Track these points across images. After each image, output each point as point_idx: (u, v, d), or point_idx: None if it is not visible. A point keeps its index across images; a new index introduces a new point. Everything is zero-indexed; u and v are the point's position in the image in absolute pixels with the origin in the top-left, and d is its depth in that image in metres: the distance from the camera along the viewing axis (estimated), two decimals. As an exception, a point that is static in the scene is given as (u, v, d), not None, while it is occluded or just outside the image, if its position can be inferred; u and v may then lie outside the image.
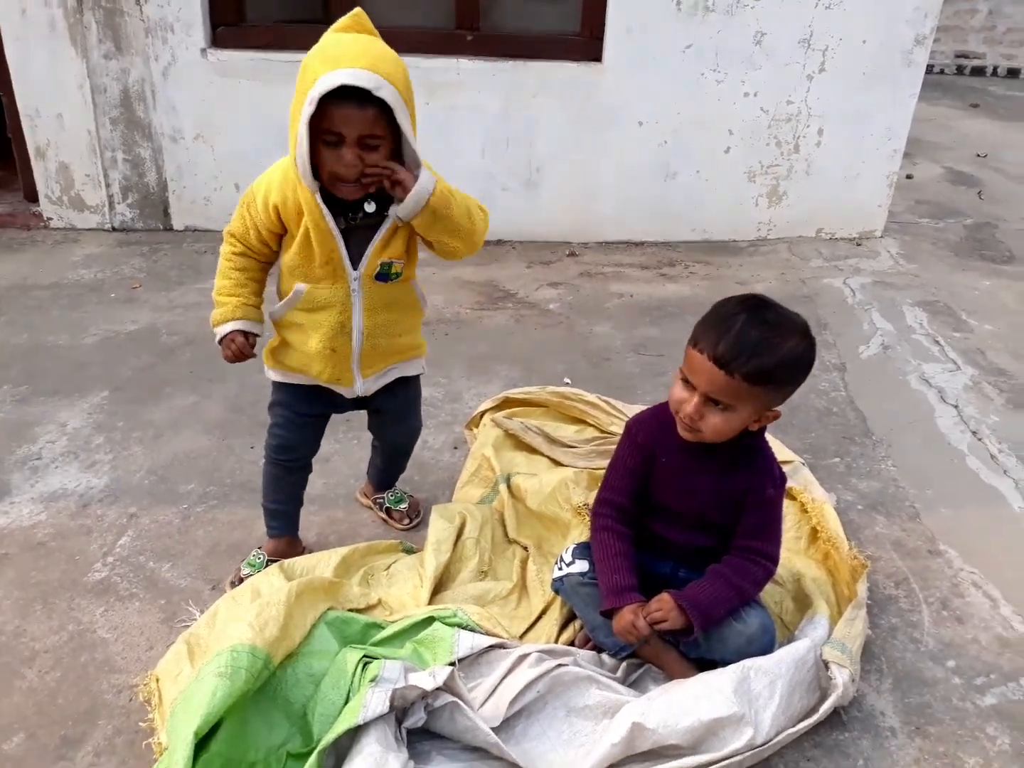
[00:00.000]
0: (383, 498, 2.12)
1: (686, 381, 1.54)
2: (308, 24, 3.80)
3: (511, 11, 3.77)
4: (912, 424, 2.63)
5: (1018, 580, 2.01)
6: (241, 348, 1.69)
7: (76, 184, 3.86)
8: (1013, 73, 8.64)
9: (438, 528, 1.90)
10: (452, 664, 1.48)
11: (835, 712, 1.62)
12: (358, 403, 1.87)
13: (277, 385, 1.84)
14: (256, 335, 1.73)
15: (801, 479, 2.27)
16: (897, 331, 3.22)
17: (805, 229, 4.07)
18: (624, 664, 1.67)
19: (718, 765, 1.41)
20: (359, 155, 1.50)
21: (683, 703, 1.44)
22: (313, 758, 1.25)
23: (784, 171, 3.91)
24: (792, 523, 2.11)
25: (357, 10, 1.53)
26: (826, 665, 1.60)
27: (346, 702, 1.37)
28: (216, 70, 3.66)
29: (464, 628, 1.60)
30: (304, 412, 1.84)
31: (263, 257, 1.72)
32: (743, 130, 3.81)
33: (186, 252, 3.78)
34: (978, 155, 5.70)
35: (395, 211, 1.59)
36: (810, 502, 2.13)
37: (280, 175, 1.61)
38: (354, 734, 1.30)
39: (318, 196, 1.55)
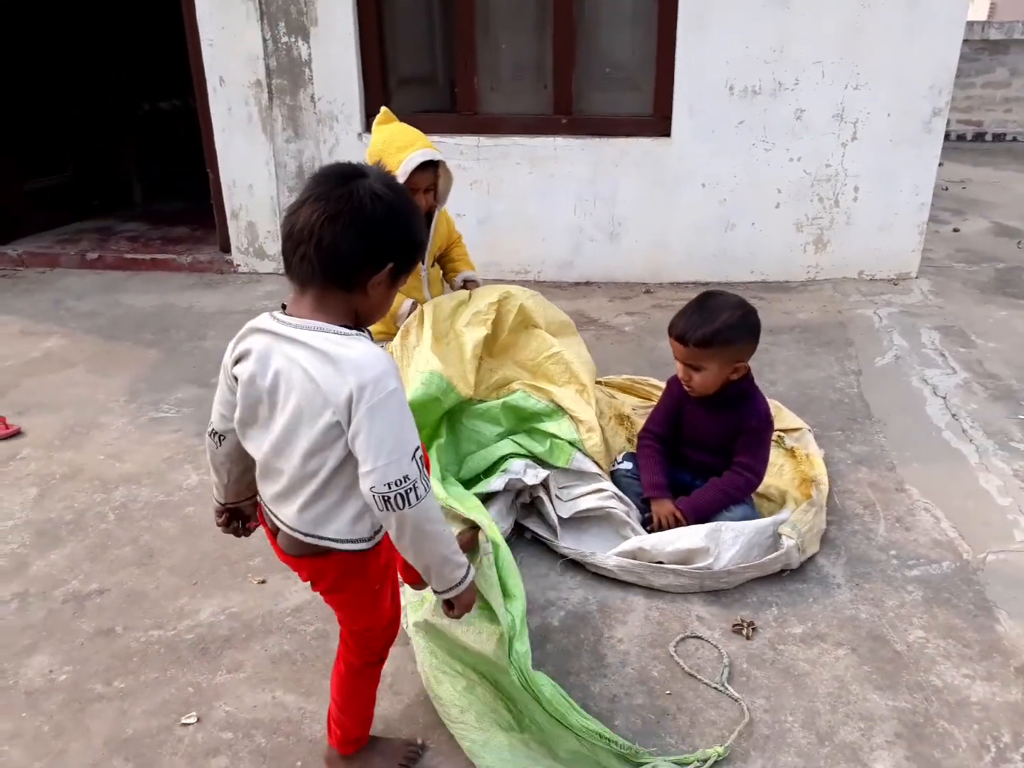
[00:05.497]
0: None
1: (677, 359, 2.39)
2: (438, 113, 4.87)
3: (597, 98, 4.74)
4: (905, 410, 3.32)
5: (962, 507, 2.67)
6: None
7: (260, 238, 4.99)
8: (1087, 139, 9.09)
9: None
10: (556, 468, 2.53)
11: (797, 571, 2.36)
12: None
13: None
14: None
15: (804, 441, 2.99)
16: (911, 347, 3.90)
17: (848, 271, 4.79)
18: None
19: (686, 572, 2.23)
20: (426, 196, 2.63)
21: (671, 539, 2.28)
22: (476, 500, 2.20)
23: (827, 222, 4.67)
24: (789, 470, 2.84)
25: (384, 109, 2.68)
26: (779, 536, 2.34)
27: (482, 472, 2.41)
28: (368, 150, 4.75)
29: (581, 451, 2.56)
30: None
31: None
32: (789, 189, 4.61)
33: (341, 289, 4.83)
34: (1029, 211, 6.28)
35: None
36: (804, 458, 2.86)
37: None
38: (484, 498, 2.31)
39: None
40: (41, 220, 5.83)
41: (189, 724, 1.88)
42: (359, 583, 1.51)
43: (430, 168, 2.58)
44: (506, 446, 2.51)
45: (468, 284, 2.96)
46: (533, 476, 2.40)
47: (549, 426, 2.59)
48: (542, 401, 2.64)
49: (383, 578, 1.54)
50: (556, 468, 2.52)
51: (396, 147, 2.51)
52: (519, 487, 2.41)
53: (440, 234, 2.89)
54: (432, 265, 2.94)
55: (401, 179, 2.43)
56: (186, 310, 4.57)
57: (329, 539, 1.41)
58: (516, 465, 2.43)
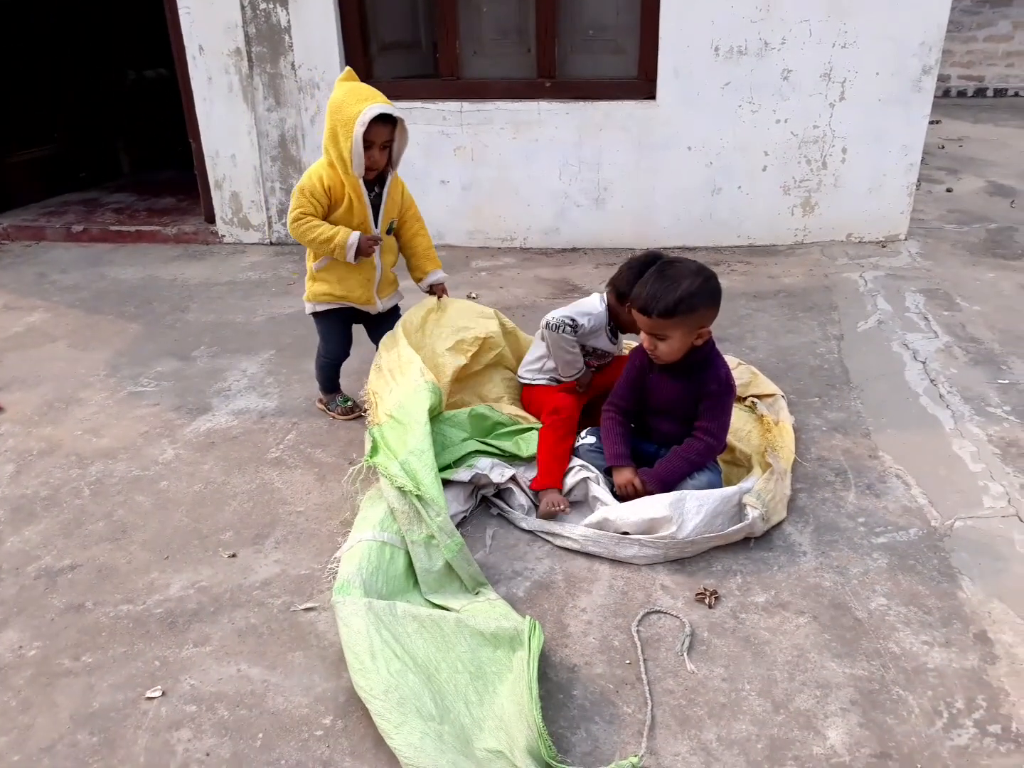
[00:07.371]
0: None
1: (641, 330, 2.38)
2: (420, 79, 4.81)
3: (581, 62, 4.66)
4: (884, 375, 3.31)
5: (934, 473, 2.66)
6: (372, 245, 2.75)
7: (244, 208, 4.96)
8: (1092, 93, 8.93)
9: None
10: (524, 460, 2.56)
11: (763, 539, 2.36)
12: (369, 319, 3.00)
13: (320, 315, 2.94)
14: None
15: (776, 407, 2.98)
16: (894, 311, 3.88)
17: (836, 234, 4.75)
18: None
19: (650, 542, 2.24)
20: (382, 153, 2.66)
21: (636, 508, 2.28)
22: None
23: (815, 185, 4.62)
24: (756, 437, 2.84)
25: (348, 68, 2.69)
26: (744, 507, 2.35)
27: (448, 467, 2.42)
28: (350, 117, 4.70)
29: None
30: (340, 328, 2.97)
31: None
32: (776, 151, 4.55)
33: (325, 259, 4.82)
34: (1026, 169, 6.18)
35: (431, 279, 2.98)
36: (772, 425, 2.85)
37: (325, 172, 2.69)
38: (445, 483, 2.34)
39: (361, 181, 2.68)
40: (28, 192, 5.81)
41: (154, 698, 1.91)
42: None
43: (388, 123, 2.62)
44: (472, 445, 2.57)
45: (435, 288, 2.97)
46: (499, 474, 2.45)
47: (512, 429, 2.70)
48: (505, 415, 2.77)
49: None
50: (524, 460, 2.58)
51: (357, 98, 2.56)
52: (483, 482, 2.46)
53: (394, 200, 2.84)
54: (388, 232, 2.89)
55: (360, 129, 2.51)
56: (170, 282, 4.57)
57: None
58: (483, 462, 2.49)
